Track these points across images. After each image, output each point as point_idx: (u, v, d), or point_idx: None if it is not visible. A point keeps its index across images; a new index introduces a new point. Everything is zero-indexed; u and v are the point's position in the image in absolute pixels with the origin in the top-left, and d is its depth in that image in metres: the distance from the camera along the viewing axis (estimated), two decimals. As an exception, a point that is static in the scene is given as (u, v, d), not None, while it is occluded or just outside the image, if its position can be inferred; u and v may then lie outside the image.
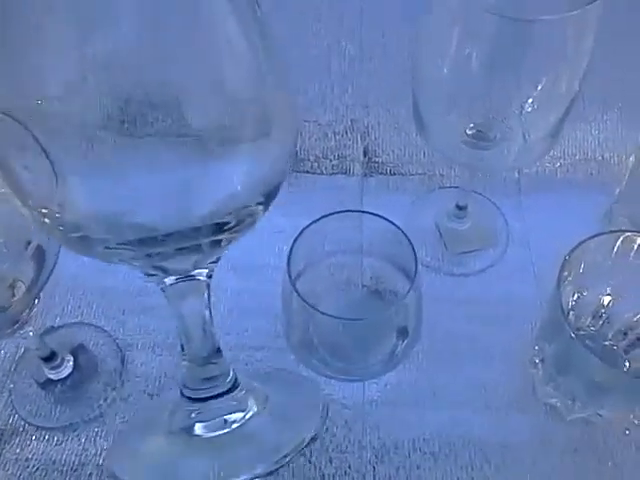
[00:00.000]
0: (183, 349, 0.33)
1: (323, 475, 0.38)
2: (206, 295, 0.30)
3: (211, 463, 0.35)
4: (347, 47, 0.57)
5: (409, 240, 0.38)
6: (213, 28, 0.20)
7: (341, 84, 0.55)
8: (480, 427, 0.40)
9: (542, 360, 0.40)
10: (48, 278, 0.34)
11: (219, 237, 0.24)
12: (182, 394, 0.35)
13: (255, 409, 0.37)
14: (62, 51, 0.18)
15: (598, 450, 0.39)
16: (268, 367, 0.42)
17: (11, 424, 0.40)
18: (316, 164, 0.52)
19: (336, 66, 0.56)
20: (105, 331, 0.43)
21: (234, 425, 0.36)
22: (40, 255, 0.33)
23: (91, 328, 0.43)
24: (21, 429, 0.39)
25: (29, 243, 0.32)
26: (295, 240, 0.37)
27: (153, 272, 0.26)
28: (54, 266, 0.34)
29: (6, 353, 0.42)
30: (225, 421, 0.36)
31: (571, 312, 0.41)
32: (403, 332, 0.40)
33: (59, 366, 0.40)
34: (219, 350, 0.34)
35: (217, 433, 0.35)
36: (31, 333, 0.36)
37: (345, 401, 0.41)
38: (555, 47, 0.35)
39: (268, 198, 0.25)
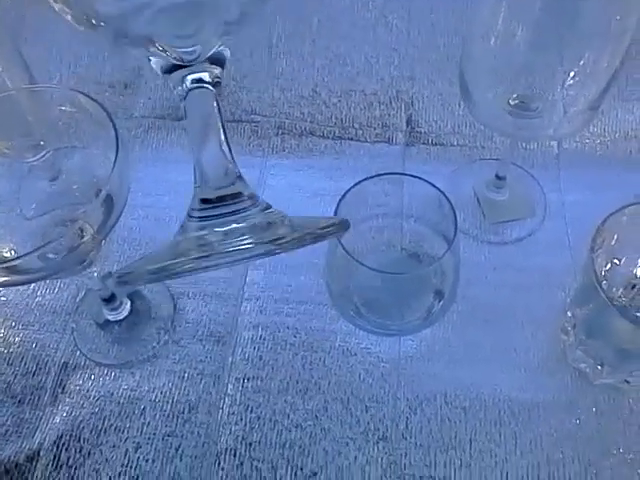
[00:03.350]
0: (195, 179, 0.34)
1: (359, 420, 0.41)
2: (216, 106, 0.34)
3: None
4: (395, 20, 0.58)
5: (449, 201, 0.39)
6: None
7: (387, 56, 0.57)
8: (509, 386, 0.42)
9: (574, 326, 0.41)
10: (114, 225, 0.37)
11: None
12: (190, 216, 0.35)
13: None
14: None
15: (624, 414, 0.41)
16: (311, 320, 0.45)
17: (74, 359, 0.43)
18: (360, 132, 0.54)
19: (383, 38, 0.57)
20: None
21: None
22: (109, 203, 0.36)
23: (146, 276, 0.46)
24: (83, 364, 0.43)
25: (100, 191, 0.35)
26: (341, 199, 0.40)
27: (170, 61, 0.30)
28: (120, 214, 0.37)
29: (68, 295, 0.46)
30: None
31: (603, 282, 0.42)
32: (439, 293, 0.42)
33: (117, 308, 0.44)
34: (240, 177, 0.35)
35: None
36: (95, 274, 0.39)
37: (382, 355, 0.43)
38: (599, 24, 0.36)
39: None
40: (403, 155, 0.53)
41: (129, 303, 0.44)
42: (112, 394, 0.42)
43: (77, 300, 0.46)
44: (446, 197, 0.39)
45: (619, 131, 0.54)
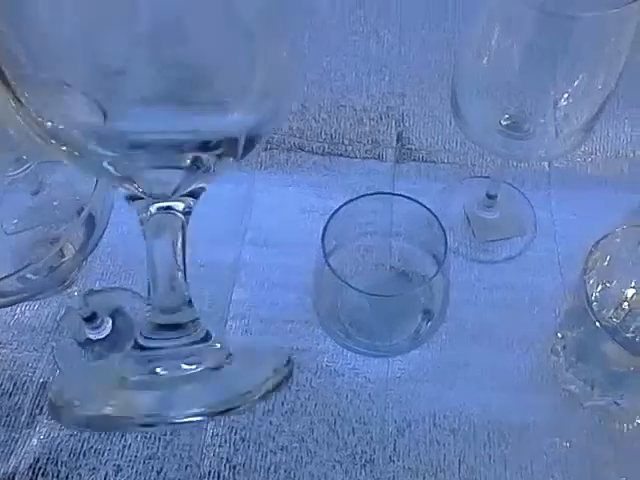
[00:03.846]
0: (149, 295, 0.33)
1: (346, 443, 0.40)
2: (180, 236, 0.31)
3: (158, 394, 0.34)
4: (386, 36, 0.58)
5: (440, 223, 0.39)
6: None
7: (378, 71, 0.56)
8: (499, 407, 0.41)
9: (564, 347, 0.41)
10: (96, 244, 0.36)
11: (199, 155, 0.27)
12: (136, 344, 0.34)
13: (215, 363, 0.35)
14: None
15: (614, 437, 0.40)
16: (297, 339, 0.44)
17: (54, 379, 0.42)
18: (350, 148, 0.53)
19: (374, 53, 0.57)
20: (142, 297, 0.45)
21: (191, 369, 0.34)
22: (90, 222, 0.35)
23: (128, 293, 0.45)
24: (62, 383, 0.42)
25: (82, 209, 0.34)
26: (330, 218, 0.39)
27: (138, 194, 0.29)
28: (102, 233, 0.36)
29: (48, 313, 0.45)
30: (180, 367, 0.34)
31: (594, 303, 0.42)
32: (428, 313, 0.42)
33: (98, 327, 0.43)
34: (190, 302, 0.34)
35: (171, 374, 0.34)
36: (76, 293, 0.38)
37: (369, 375, 0.42)
38: (594, 44, 0.35)
39: (249, 142, 0.28)
40: (393, 172, 0.52)
41: (110, 322, 0.43)
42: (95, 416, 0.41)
43: (57, 318, 0.44)
44: (436, 217, 0.39)
45: (610, 150, 0.54)
